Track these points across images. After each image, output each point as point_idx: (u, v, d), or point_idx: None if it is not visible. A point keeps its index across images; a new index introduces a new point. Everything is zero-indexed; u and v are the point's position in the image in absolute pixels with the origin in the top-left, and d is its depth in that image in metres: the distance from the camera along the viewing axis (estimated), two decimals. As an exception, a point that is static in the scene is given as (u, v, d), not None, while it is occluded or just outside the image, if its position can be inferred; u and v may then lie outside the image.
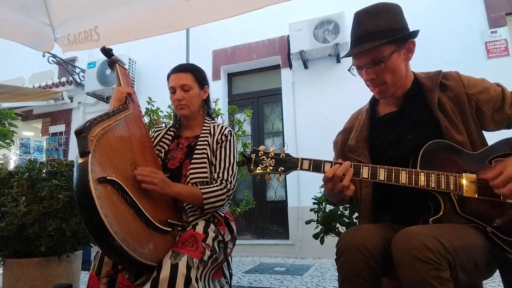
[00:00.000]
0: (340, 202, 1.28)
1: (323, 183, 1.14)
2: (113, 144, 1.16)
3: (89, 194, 0.94)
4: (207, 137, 1.45)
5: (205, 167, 1.37)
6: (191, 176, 1.35)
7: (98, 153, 1.04)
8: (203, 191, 1.30)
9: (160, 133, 1.56)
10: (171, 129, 1.57)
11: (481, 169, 1.04)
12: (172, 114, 2.83)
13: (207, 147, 1.42)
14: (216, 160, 1.41)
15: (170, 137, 1.54)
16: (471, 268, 0.93)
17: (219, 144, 1.43)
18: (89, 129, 1.07)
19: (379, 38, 1.08)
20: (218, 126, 1.48)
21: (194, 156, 1.40)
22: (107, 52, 1.51)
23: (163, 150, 1.49)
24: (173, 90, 1.47)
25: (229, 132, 1.46)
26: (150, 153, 1.38)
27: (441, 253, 0.84)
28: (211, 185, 1.34)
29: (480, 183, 1.03)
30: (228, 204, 1.51)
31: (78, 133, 1.05)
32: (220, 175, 1.37)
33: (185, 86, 1.44)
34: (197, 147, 1.43)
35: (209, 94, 1.57)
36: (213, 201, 1.30)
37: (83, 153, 1.01)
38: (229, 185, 1.36)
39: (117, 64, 1.49)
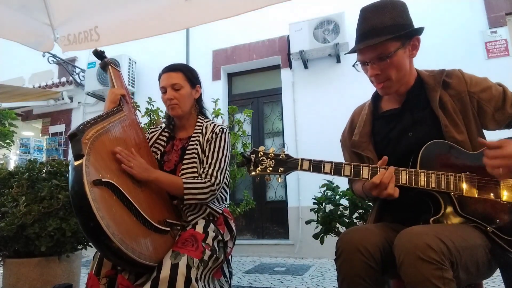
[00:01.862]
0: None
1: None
2: (108, 146, 1.16)
3: (85, 197, 0.94)
4: (199, 136, 1.44)
5: (195, 167, 1.36)
6: (182, 178, 1.34)
7: (92, 156, 1.04)
8: (184, 181, 1.28)
9: (155, 134, 1.55)
10: (166, 129, 1.56)
11: (481, 168, 1.04)
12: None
13: (198, 147, 1.41)
14: (204, 156, 1.40)
15: (165, 138, 1.53)
16: (473, 268, 0.93)
17: (209, 142, 1.42)
18: (82, 132, 1.07)
19: (385, 33, 1.08)
20: (210, 124, 1.47)
21: (185, 157, 1.39)
22: (99, 54, 1.50)
23: (158, 152, 1.48)
24: (164, 90, 1.46)
25: (220, 129, 1.44)
26: (146, 154, 1.38)
27: (444, 253, 0.84)
28: (196, 178, 1.33)
29: (480, 183, 1.03)
30: (226, 204, 1.50)
31: (72, 136, 1.04)
32: (206, 169, 1.35)
33: (176, 85, 1.43)
34: (188, 147, 1.42)
35: (201, 93, 1.55)
36: (194, 192, 1.27)
37: (77, 156, 1.01)
38: (213, 179, 1.32)
39: (110, 66, 1.48)
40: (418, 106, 1.17)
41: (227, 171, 1.43)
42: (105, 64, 1.49)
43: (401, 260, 0.87)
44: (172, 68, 1.47)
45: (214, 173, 1.34)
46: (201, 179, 1.32)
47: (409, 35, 1.12)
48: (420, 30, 1.14)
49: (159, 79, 1.49)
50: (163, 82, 1.45)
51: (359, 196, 1.30)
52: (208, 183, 1.30)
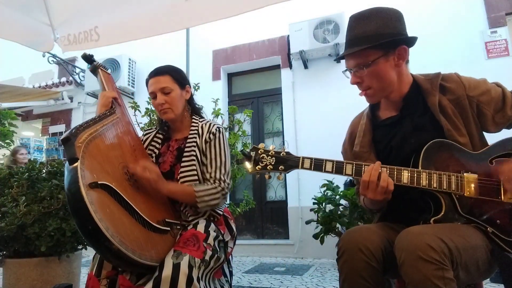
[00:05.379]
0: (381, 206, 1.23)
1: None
2: (102, 148, 1.15)
3: (82, 200, 0.93)
4: (195, 138, 1.42)
5: (194, 170, 1.35)
6: (181, 180, 1.34)
7: (87, 159, 1.04)
8: (196, 189, 1.28)
9: (149, 136, 1.54)
10: (160, 131, 1.54)
11: (482, 168, 1.04)
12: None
13: (196, 149, 1.39)
14: (207, 159, 1.39)
15: (159, 140, 1.51)
16: (473, 268, 0.93)
17: (208, 143, 1.40)
18: (75, 136, 1.06)
19: (366, 43, 1.08)
20: (206, 124, 1.45)
21: (183, 159, 1.38)
22: (88, 58, 1.49)
23: (153, 154, 1.47)
24: (153, 96, 1.42)
25: (217, 129, 1.43)
26: (141, 155, 1.37)
27: (445, 253, 0.84)
28: (205, 184, 1.32)
29: (481, 183, 1.03)
30: (226, 204, 1.50)
31: (65, 140, 1.04)
32: (213, 174, 1.35)
33: (165, 89, 1.39)
34: (186, 149, 1.40)
35: (192, 93, 1.52)
36: (206, 199, 1.29)
37: (72, 160, 1.00)
38: (222, 184, 1.34)
39: (99, 70, 1.47)
40: (416, 111, 1.15)
41: None
42: (95, 67, 1.48)
43: (402, 260, 0.87)
44: (158, 72, 1.43)
45: (222, 177, 1.35)
46: (211, 185, 1.32)
47: (390, 44, 1.10)
48: (409, 40, 1.12)
49: (146, 84, 1.46)
50: (152, 87, 1.42)
51: (369, 206, 1.27)
52: (219, 188, 1.32)
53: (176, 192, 1.29)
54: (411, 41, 1.13)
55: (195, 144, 1.41)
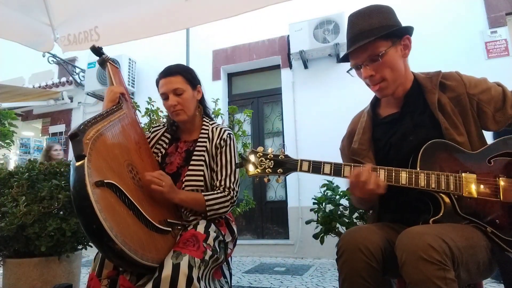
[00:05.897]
0: (370, 206, 1.25)
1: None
2: (108, 145, 1.14)
3: (87, 199, 0.92)
4: (206, 142, 1.41)
5: (202, 175, 1.35)
6: (186, 183, 1.34)
7: (94, 156, 1.02)
8: (206, 198, 1.29)
9: (157, 133, 1.52)
10: (169, 130, 1.53)
11: (481, 168, 1.04)
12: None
13: (205, 154, 1.38)
14: (217, 166, 1.38)
15: (167, 140, 1.50)
16: (474, 268, 0.93)
17: (218, 150, 1.39)
18: (83, 132, 1.05)
19: (374, 35, 1.09)
20: (216, 129, 1.44)
21: (192, 162, 1.37)
22: (97, 51, 1.47)
23: (160, 154, 1.46)
24: (165, 96, 1.39)
25: (228, 135, 1.41)
26: (146, 153, 1.37)
27: (446, 253, 0.84)
28: (214, 192, 1.33)
29: (480, 183, 1.03)
30: None
31: (73, 136, 1.02)
32: (223, 182, 1.35)
33: (178, 90, 1.37)
34: (195, 153, 1.39)
35: (203, 93, 1.50)
36: (216, 208, 1.30)
37: (79, 156, 0.99)
38: (232, 192, 1.34)
39: (108, 63, 1.45)
40: (417, 109, 1.16)
41: None
42: (103, 60, 1.46)
43: (403, 260, 0.87)
44: (170, 72, 1.40)
45: (232, 185, 1.36)
46: (221, 193, 1.32)
47: (398, 34, 1.12)
48: (410, 29, 1.14)
49: (157, 84, 1.44)
50: (163, 88, 1.39)
51: (357, 206, 1.29)
52: (228, 197, 1.33)
53: (187, 201, 1.30)
54: (411, 31, 1.16)
55: (204, 148, 1.40)
